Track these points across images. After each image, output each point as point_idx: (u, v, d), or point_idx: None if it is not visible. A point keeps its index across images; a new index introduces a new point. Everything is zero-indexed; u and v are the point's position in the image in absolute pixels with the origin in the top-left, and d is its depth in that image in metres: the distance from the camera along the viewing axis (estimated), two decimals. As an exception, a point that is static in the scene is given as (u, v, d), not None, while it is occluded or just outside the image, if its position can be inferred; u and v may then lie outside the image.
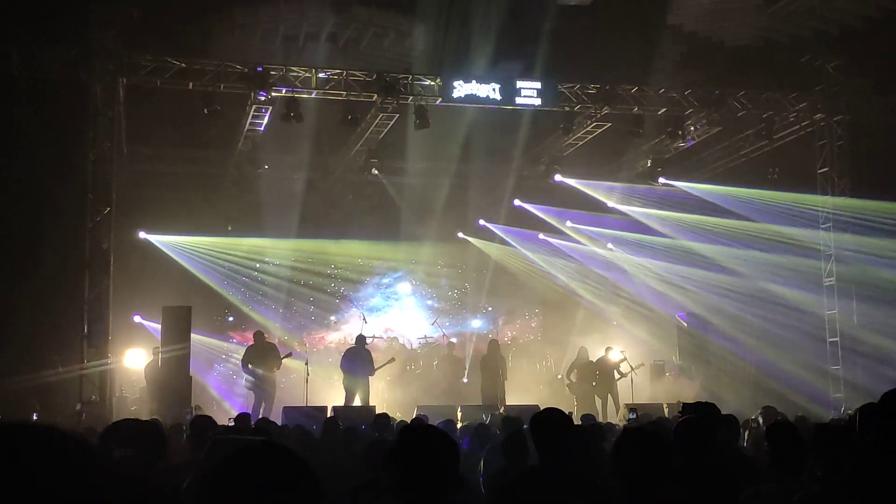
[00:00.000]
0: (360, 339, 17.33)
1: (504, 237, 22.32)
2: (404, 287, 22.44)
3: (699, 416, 5.28)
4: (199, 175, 19.97)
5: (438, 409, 13.60)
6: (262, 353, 16.35)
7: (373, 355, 16.68)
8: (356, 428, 10.07)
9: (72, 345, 15.43)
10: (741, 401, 15.22)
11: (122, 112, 16.01)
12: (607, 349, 18.24)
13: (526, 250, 22.18)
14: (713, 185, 19.46)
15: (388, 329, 21.13)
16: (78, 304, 15.17)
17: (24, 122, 14.69)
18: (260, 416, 14.84)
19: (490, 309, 22.56)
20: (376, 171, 19.30)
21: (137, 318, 17.95)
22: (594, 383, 17.79)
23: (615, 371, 17.67)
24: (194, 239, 19.57)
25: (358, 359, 16.58)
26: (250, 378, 16.18)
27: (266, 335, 17.30)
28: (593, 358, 18.26)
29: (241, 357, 16.82)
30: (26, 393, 15.42)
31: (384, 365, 16.82)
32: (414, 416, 12.60)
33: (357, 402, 15.83)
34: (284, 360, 16.63)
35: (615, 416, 15.34)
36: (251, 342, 16.94)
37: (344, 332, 21.21)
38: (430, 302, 22.52)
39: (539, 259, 22.09)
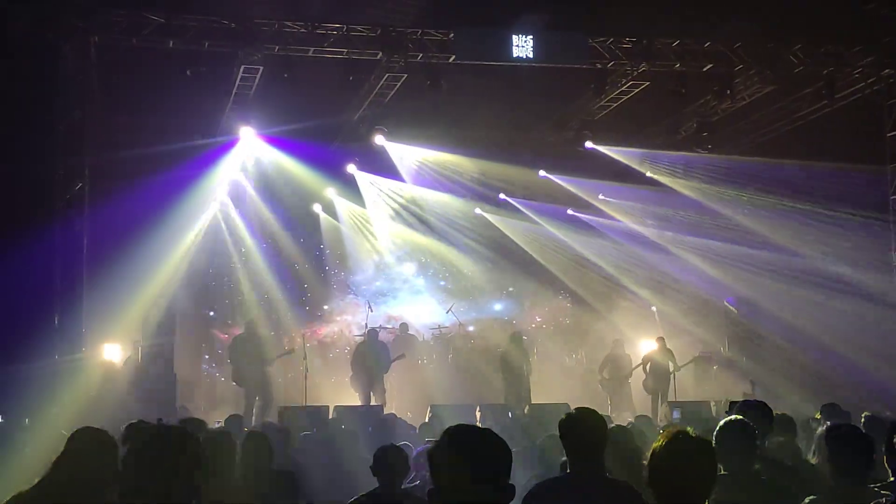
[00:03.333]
0: (373, 332, 17.40)
1: (527, 213, 22.27)
2: (411, 268, 22.42)
3: (749, 415, 5.26)
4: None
5: (454, 409, 13.63)
6: (254, 346, 16.31)
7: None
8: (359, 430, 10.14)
9: (42, 337, 15.47)
10: (799, 397, 15.18)
11: (95, 77, 15.98)
12: (659, 339, 18.14)
13: (551, 227, 22.12)
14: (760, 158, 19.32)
15: (392, 318, 21.08)
16: (48, 291, 15.21)
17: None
18: (253, 417, 14.96)
19: (511, 289, 22.56)
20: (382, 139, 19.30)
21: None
22: (644, 378, 17.78)
23: (669, 364, 17.61)
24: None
25: (372, 355, 16.67)
26: (238, 373, 16.13)
27: (259, 327, 17.32)
28: (639, 351, 18.27)
29: (229, 351, 16.82)
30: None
31: (395, 360, 17.01)
32: (428, 417, 12.66)
33: (373, 403, 15.92)
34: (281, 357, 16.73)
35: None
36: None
37: (340, 324, 21.22)
38: (442, 283, 22.50)
39: (566, 237, 22.03)
